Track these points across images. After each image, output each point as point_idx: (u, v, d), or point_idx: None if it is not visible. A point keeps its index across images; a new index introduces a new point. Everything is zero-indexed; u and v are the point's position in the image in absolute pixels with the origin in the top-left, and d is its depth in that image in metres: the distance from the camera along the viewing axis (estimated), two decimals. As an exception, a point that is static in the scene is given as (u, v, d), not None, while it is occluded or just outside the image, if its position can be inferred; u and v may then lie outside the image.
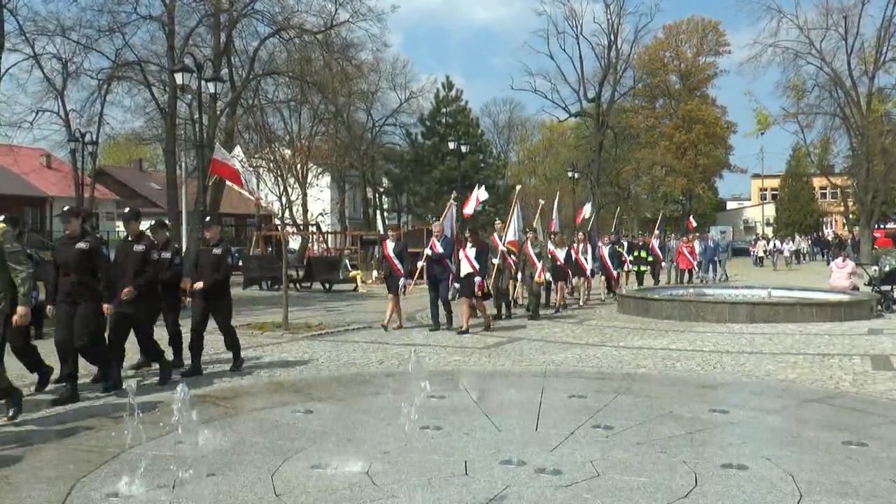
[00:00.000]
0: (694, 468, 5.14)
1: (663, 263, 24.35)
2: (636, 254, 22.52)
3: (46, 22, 27.66)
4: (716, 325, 14.17)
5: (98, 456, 5.52)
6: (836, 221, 69.32)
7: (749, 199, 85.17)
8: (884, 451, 5.61)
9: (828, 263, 30.71)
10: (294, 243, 34.56)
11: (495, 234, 16.00)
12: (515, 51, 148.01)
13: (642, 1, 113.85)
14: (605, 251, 19.62)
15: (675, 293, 18.33)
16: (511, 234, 15.38)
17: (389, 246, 13.81)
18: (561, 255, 16.89)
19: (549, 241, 17.32)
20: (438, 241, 13.60)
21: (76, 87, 30.49)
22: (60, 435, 6.26)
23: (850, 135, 44.28)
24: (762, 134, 49.25)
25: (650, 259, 23.06)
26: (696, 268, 24.72)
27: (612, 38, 51.53)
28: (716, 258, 26.77)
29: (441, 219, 14.55)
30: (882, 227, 56.97)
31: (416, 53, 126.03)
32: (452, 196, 15.69)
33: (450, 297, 13.94)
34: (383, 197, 54.16)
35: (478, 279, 13.20)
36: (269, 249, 32.10)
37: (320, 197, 46.60)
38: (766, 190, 79.02)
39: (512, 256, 15.54)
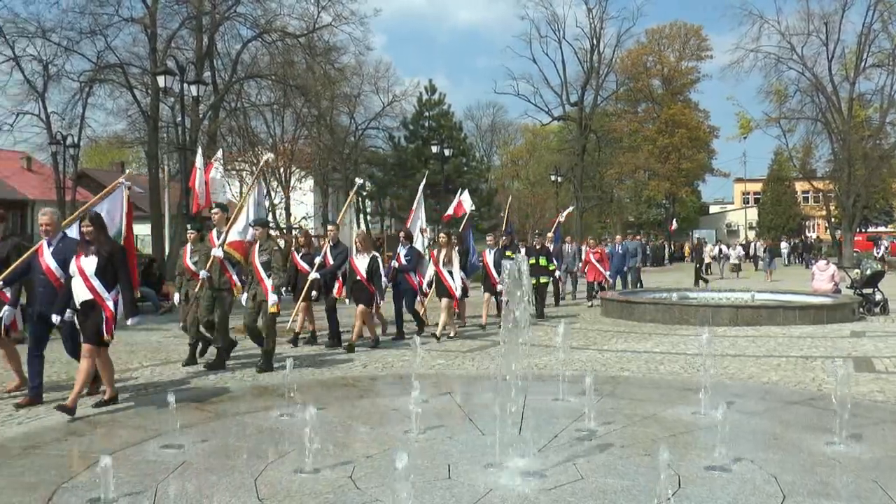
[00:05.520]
0: (677, 470, 5.14)
1: (558, 274, 19.49)
2: (532, 261, 15.75)
3: (27, 23, 27.47)
4: (699, 328, 14.21)
5: (80, 461, 5.46)
6: (818, 225, 69.82)
7: (732, 203, 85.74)
8: (866, 453, 5.64)
9: (807, 267, 30.54)
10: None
11: (213, 231, 10.45)
12: (499, 54, 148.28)
13: (625, 6, 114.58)
14: (489, 257, 14.77)
15: (657, 296, 18.38)
16: (236, 233, 10.20)
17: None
18: (362, 265, 11.73)
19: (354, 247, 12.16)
20: (49, 245, 7.90)
21: (57, 89, 30.19)
22: (42, 440, 6.18)
23: (832, 139, 44.54)
24: (745, 138, 49.50)
25: (552, 268, 17.42)
26: (606, 279, 20.79)
27: (595, 42, 51.85)
28: (624, 268, 22.69)
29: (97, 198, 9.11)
30: (863, 230, 57.48)
31: (400, 54, 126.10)
32: (124, 174, 8.78)
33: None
34: (366, 201, 54.05)
35: (108, 314, 7.18)
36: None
37: (303, 201, 46.44)
38: (748, 194, 79.70)
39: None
